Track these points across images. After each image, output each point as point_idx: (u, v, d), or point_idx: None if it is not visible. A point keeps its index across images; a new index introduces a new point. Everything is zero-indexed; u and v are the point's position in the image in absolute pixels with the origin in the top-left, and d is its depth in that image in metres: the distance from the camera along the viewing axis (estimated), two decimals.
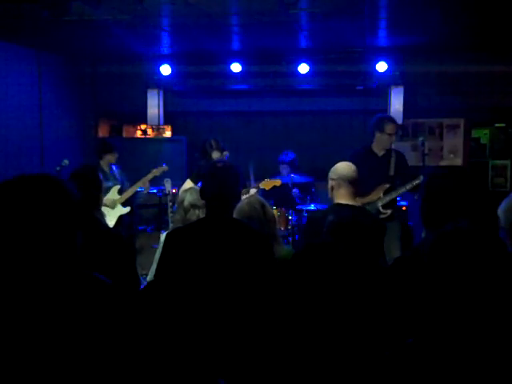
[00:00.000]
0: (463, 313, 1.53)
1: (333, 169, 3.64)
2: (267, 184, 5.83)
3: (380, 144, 5.31)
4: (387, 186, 5.11)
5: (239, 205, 3.32)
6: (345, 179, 3.53)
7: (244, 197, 5.44)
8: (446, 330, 1.55)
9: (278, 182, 5.91)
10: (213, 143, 5.83)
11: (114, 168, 6.37)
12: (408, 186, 5.07)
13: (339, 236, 3.18)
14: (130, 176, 6.54)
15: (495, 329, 1.53)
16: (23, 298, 1.55)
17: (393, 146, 5.49)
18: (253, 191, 5.62)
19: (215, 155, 5.78)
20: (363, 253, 3.02)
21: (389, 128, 5.24)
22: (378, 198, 5.02)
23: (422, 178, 4.94)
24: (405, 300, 2.21)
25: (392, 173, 5.19)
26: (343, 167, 3.60)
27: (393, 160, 5.26)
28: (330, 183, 3.59)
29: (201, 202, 3.24)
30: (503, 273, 1.51)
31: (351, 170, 3.59)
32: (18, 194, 1.52)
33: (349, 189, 3.54)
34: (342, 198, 3.53)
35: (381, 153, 5.33)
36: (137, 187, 6.26)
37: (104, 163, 6.15)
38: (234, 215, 2.84)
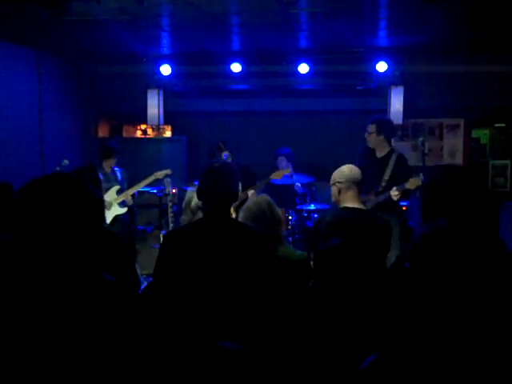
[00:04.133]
0: (447, 315, 1.52)
1: (338, 173, 3.62)
2: (278, 174, 5.88)
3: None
4: (379, 190, 5.10)
5: (246, 204, 3.32)
6: (353, 182, 3.53)
7: (250, 193, 5.50)
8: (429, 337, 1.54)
9: (288, 171, 5.97)
10: (220, 145, 5.93)
11: (115, 169, 6.40)
12: (394, 190, 5.03)
13: (338, 235, 3.19)
14: (130, 176, 6.56)
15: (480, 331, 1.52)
16: (42, 290, 1.61)
17: (393, 147, 5.47)
18: (250, 193, 5.63)
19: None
20: (369, 254, 3.03)
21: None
22: (368, 199, 5.01)
23: (408, 183, 4.91)
24: (398, 303, 2.22)
25: (387, 175, 5.14)
26: (350, 170, 3.60)
27: (391, 162, 5.20)
28: (338, 187, 3.57)
29: None
30: (489, 270, 1.49)
31: (357, 172, 3.60)
32: (45, 190, 1.62)
33: (356, 191, 3.55)
34: (350, 201, 3.53)
35: (380, 154, 5.30)
36: (136, 188, 6.30)
37: (106, 165, 6.37)
38: (241, 215, 2.83)
